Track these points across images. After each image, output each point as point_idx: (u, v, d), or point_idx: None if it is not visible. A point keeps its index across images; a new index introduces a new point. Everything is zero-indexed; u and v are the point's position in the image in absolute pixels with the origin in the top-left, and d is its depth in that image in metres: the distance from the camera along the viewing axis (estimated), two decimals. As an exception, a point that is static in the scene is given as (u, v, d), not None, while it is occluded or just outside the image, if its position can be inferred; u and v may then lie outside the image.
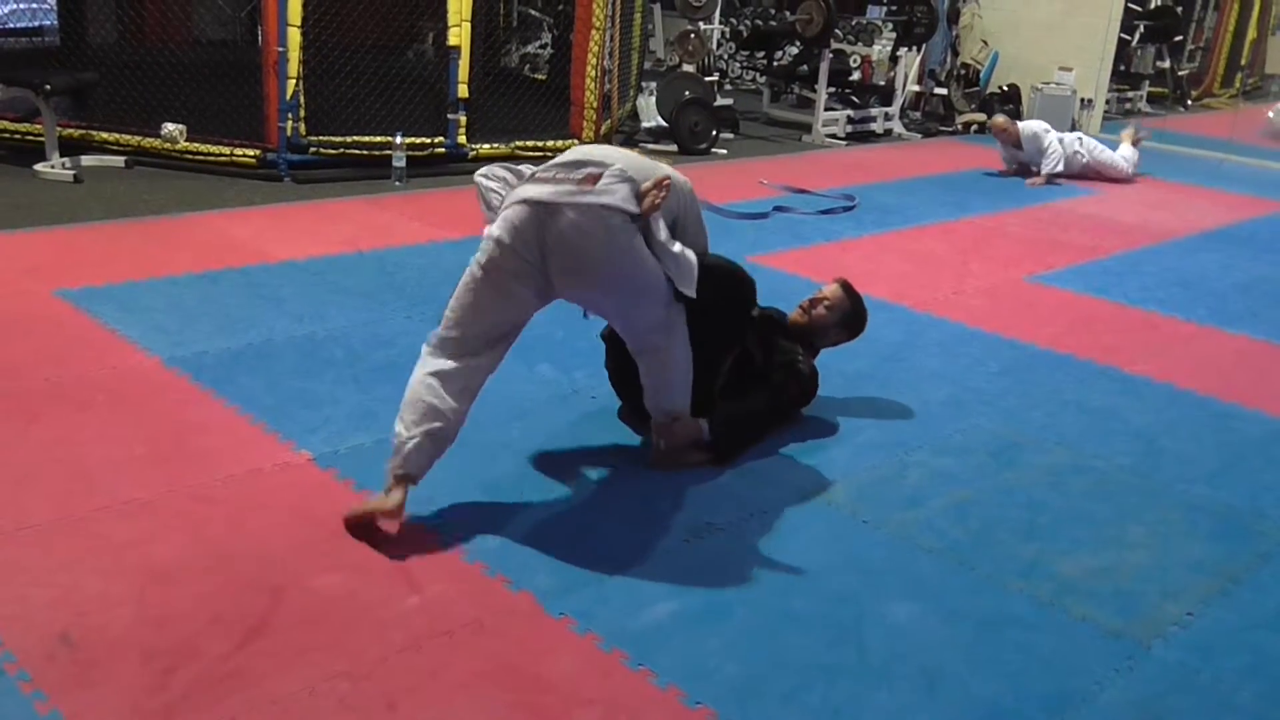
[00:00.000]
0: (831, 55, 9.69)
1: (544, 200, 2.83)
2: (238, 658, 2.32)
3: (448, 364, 2.88)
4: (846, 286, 3.80)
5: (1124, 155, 8.66)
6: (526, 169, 3.05)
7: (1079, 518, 3.19)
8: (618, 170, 2.88)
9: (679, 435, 3.27)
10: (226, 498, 2.96)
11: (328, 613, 2.49)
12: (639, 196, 2.88)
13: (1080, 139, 8.69)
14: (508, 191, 2.98)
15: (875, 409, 3.86)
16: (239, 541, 2.75)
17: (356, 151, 6.84)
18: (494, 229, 2.90)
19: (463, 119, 7.05)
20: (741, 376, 3.50)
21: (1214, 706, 2.42)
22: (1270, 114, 11.70)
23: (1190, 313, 5.26)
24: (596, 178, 2.84)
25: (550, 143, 7.54)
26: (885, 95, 10.39)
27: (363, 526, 2.80)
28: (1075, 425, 3.84)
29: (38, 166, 6.25)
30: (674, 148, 8.38)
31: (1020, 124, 8.58)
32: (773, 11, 11.77)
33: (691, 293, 3.01)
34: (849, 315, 3.77)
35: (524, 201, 2.86)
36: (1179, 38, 13.84)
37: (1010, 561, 2.92)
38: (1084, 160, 8.52)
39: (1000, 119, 8.57)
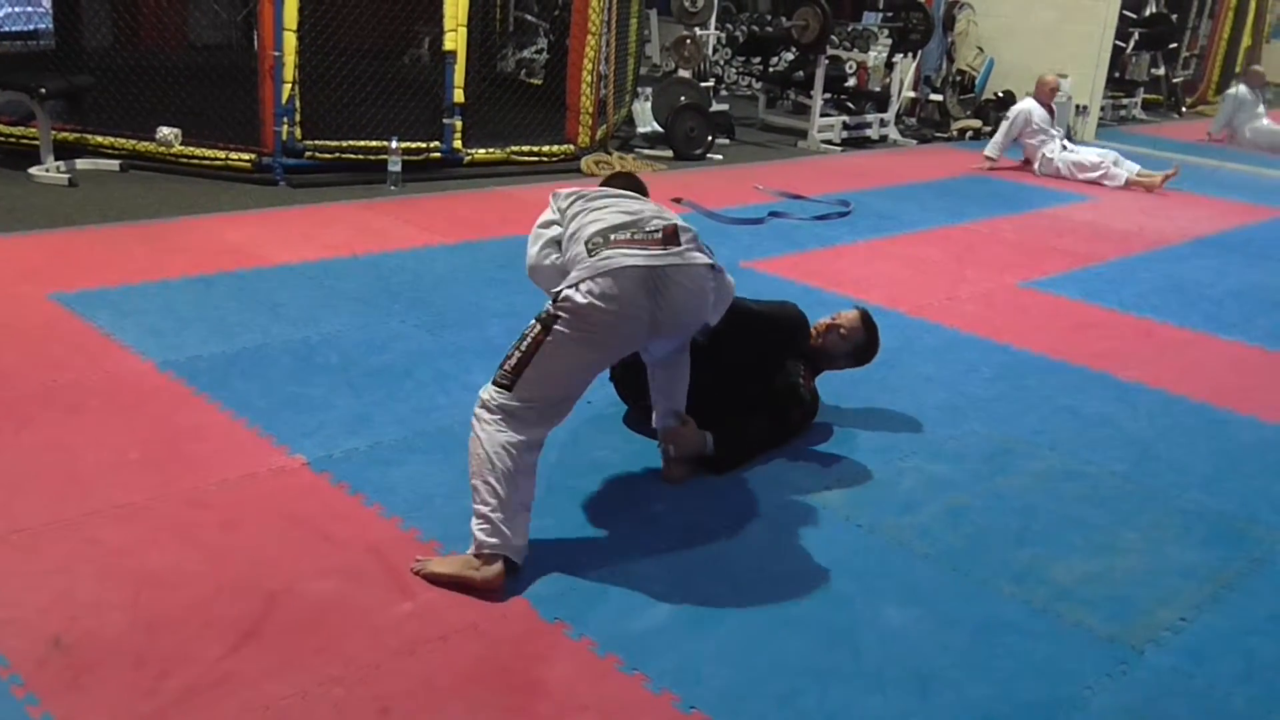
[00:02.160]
0: (827, 61, 9.70)
1: (655, 266, 2.79)
2: (231, 662, 2.32)
3: (527, 432, 2.73)
4: (865, 317, 3.73)
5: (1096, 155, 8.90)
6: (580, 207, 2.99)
7: (1072, 523, 3.19)
8: (685, 224, 2.95)
9: (686, 438, 3.27)
10: (220, 502, 2.96)
11: (321, 617, 2.49)
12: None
13: (1065, 145, 8.98)
14: (574, 240, 2.88)
15: (870, 414, 3.86)
16: (232, 546, 2.75)
17: (352, 156, 6.84)
18: (592, 295, 2.71)
19: (458, 124, 7.06)
20: (740, 392, 3.51)
21: (1207, 712, 2.42)
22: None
23: (1184, 319, 5.28)
24: (673, 230, 2.87)
25: (546, 147, 7.56)
26: (881, 101, 10.40)
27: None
28: (1069, 431, 3.85)
29: (32, 170, 6.25)
30: (669, 153, 8.39)
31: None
32: (769, 17, 11.78)
33: (715, 321, 3.08)
34: (860, 346, 3.71)
35: (631, 268, 2.75)
36: (1174, 45, 13.89)
37: (1003, 567, 2.93)
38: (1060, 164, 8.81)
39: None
